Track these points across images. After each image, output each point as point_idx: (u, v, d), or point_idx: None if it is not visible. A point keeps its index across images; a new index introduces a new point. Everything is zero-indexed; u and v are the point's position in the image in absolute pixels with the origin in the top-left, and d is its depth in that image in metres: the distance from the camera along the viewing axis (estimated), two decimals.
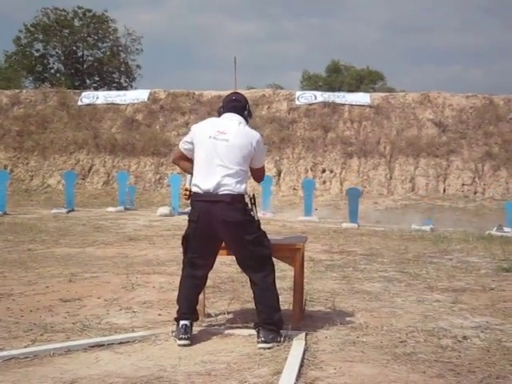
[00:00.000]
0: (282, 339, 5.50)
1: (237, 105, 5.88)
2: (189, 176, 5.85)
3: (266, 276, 5.62)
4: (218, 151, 5.54)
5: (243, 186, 5.56)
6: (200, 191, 5.55)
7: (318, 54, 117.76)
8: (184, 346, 5.41)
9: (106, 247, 12.07)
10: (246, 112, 5.87)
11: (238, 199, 5.50)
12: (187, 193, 5.72)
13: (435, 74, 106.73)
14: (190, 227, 5.72)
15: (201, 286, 5.90)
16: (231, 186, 5.47)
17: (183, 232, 5.81)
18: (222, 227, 5.49)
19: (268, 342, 5.39)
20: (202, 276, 5.79)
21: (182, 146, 5.86)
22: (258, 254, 5.59)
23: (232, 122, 5.73)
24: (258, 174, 5.96)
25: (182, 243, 5.80)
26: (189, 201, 5.72)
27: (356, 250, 12.30)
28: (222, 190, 5.46)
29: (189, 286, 5.76)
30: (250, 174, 5.83)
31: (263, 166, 5.94)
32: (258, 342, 5.42)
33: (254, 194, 5.86)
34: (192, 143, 5.73)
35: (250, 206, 5.68)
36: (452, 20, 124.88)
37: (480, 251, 12.43)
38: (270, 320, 5.54)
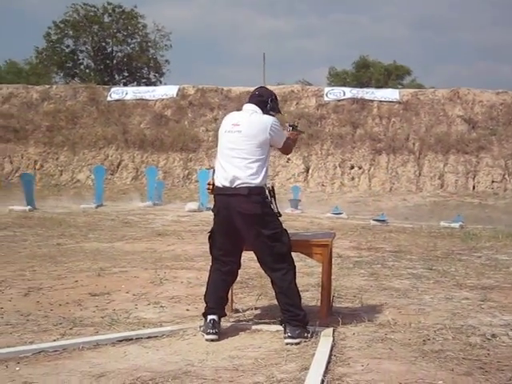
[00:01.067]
0: (308, 335, 5.49)
1: (259, 100, 5.84)
2: (211, 170, 5.87)
3: (284, 274, 5.58)
4: (232, 144, 5.55)
5: (260, 178, 5.51)
6: (219, 185, 5.57)
7: (345, 50, 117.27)
8: (212, 340, 5.42)
9: (135, 242, 12.14)
10: (268, 106, 5.81)
11: (255, 191, 5.47)
12: (210, 186, 5.73)
13: (464, 70, 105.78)
14: (214, 223, 5.76)
15: (229, 282, 5.88)
16: (248, 178, 5.45)
17: (211, 227, 5.83)
18: (239, 220, 5.48)
19: (295, 338, 5.39)
20: (228, 272, 5.78)
21: None
22: (276, 251, 5.55)
23: (246, 112, 5.74)
24: (283, 151, 6.02)
25: (209, 239, 5.82)
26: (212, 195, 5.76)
27: (384, 246, 12.26)
28: (239, 183, 5.45)
29: (216, 282, 5.77)
30: (267, 163, 5.70)
31: (285, 142, 5.85)
32: (285, 338, 5.42)
33: (273, 186, 5.81)
34: None
35: (269, 198, 5.64)
36: (481, 16, 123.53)
37: (509, 249, 12.33)
38: (295, 317, 5.53)
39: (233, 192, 5.46)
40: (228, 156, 5.56)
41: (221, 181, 5.56)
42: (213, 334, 5.47)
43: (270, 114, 5.78)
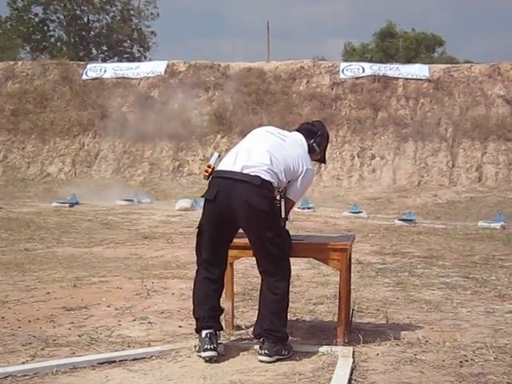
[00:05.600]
0: (286, 353, 5.55)
1: (309, 128, 6.18)
2: (216, 154, 5.85)
3: (277, 281, 5.62)
4: (269, 141, 5.74)
5: (274, 179, 5.55)
6: (223, 168, 5.60)
7: (364, 19, 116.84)
8: (210, 358, 5.41)
9: (117, 247, 12.15)
10: (315, 139, 6.10)
11: (267, 186, 5.50)
12: (209, 170, 5.68)
13: (506, 41, 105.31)
14: (204, 212, 5.73)
15: (221, 290, 5.91)
16: (264, 171, 5.48)
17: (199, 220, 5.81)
18: (243, 212, 5.47)
19: (271, 356, 5.45)
20: (218, 278, 5.81)
21: None
22: (274, 255, 5.59)
23: (294, 135, 6.02)
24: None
25: (198, 236, 5.80)
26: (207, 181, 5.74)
27: (412, 251, 12.27)
28: (252, 171, 5.47)
29: (207, 294, 5.75)
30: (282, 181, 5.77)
31: (294, 204, 5.97)
32: (260, 355, 5.48)
33: (285, 188, 5.76)
34: None
35: (278, 198, 5.65)
36: None
37: None
38: (275, 330, 5.56)
39: (241, 178, 5.47)
40: (255, 145, 5.72)
41: (228, 163, 5.60)
42: (211, 349, 5.44)
43: (311, 149, 6.02)
